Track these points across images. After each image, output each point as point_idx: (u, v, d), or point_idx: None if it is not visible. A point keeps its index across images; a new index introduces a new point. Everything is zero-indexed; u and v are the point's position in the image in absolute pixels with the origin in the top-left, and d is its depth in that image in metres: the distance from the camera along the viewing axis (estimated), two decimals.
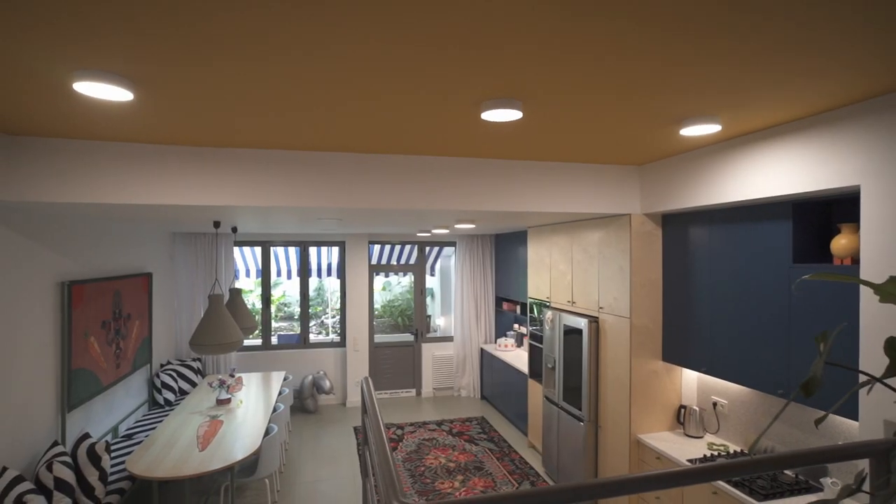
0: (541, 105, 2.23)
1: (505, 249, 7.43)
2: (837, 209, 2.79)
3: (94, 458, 3.49)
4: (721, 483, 2.93)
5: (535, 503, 0.92)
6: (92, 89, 1.87)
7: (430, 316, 8.95)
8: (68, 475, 3.27)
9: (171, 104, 2.19)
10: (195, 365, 6.32)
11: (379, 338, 8.11)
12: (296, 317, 10.08)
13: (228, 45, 1.60)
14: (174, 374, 5.85)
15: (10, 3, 1.31)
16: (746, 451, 3.37)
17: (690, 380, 3.90)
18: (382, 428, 1.33)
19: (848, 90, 2.08)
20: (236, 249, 7.43)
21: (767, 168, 2.71)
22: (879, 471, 1.01)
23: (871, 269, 2.17)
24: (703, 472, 0.98)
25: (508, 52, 1.66)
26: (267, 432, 4.22)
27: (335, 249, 7.75)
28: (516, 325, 7.27)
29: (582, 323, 4.35)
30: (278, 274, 7.64)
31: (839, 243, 2.58)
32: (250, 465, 4.21)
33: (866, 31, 1.52)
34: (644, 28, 1.48)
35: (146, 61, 1.71)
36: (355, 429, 6.43)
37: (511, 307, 7.22)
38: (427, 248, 8.08)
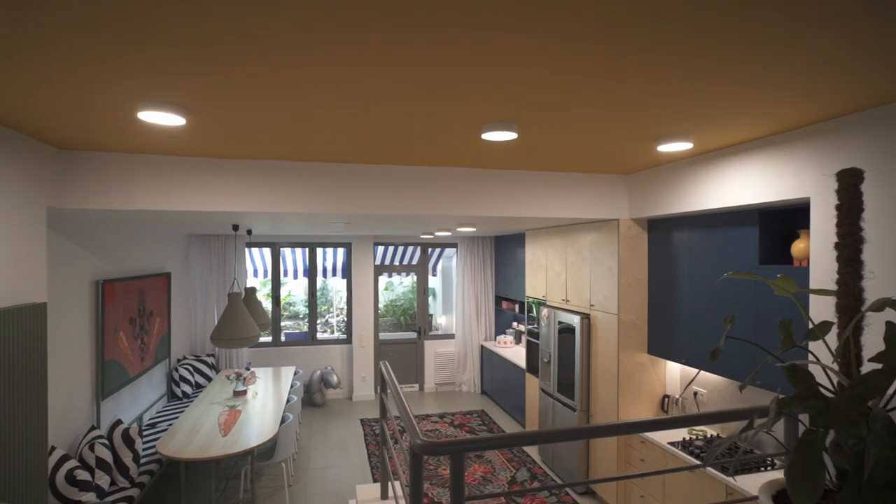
0: (533, 127, 2.57)
1: (504, 250, 7.77)
2: (799, 217, 3.13)
3: (128, 441, 3.83)
4: (694, 460, 3.27)
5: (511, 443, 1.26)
6: (152, 117, 2.21)
7: (431, 315, 9.28)
8: (107, 456, 3.61)
9: (212, 125, 2.53)
10: (209, 360, 6.66)
11: (383, 335, 8.44)
12: (301, 315, 10.41)
13: (262, 82, 1.94)
14: (191, 369, 6.20)
15: (88, 51, 1.65)
16: (719, 434, 3.70)
17: (673, 371, 4.24)
18: (402, 395, 1.66)
19: (800, 115, 2.41)
20: (246, 250, 7.76)
21: (735, 180, 3.05)
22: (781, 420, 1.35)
23: (819, 270, 2.50)
24: (622, 427, 1.32)
25: (504, 87, 2.00)
26: (282, 420, 4.55)
27: (340, 250, 8.08)
28: (515, 324, 7.60)
29: (575, 320, 4.69)
30: (285, 274, 7.98)
31: (798, 247, 2.91)
32: (268, 450, 4.55)
33: (819, 67, 1.86)
34: (625, 57, 1.82)
35: (198, 94, 2.05)
36: (362, 421, 6.77)
37: (510, 306, 7.56)
38: (429, 250, 8.42)
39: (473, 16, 1.41)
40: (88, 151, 3.09)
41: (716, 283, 3.03)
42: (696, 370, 1.16)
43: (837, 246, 1.10)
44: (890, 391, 1.05)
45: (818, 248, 2.51)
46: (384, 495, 2.37)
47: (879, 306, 1.00)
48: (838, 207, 1.10)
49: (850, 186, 1.08)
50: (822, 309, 2.45)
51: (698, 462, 3.27)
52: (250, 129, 2.61)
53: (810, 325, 1.32)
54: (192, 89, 1.99)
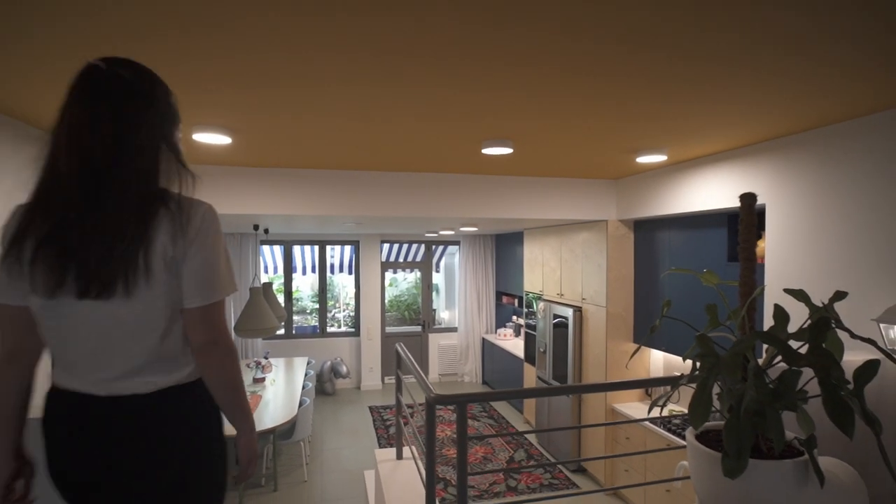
0: (527, 142, 2.98)
1: (504, 248, 8.18)
2: (762, 220, 3.53)
3: None
4: (672, 436, 3.69)
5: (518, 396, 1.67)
6: (205, 138, 2.63)
7: (435, 310, 9.69)
8: None
9: (251, 141, 2.94)
10: None
11: (389, 329, 8.87)
12: (308, 311, 10.85)
13: (295, 106, 2.35)
14: None
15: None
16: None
17: (657, 358, 4.65)
18: (417, 366, 2.08)
19: (758, 132, 2.81)
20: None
21: (706, 187, 3.45)
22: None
23: (772, 266, 2.91)
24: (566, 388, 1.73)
25: (501, 111, 2.41)
26: (300, 404, 4.98)
27: (347, 248, 8.51)
28: (514, 317, 8.02)
29: (568, 312, 5.10)
30: (294, 270, 8.40)
31: (759, 247, 3.31)
32: (287, 430, 4.98)
33: (773, 92, 2.27)
34: (606, 87, 2.22)
35: (244, 118, 2.46)
36: (370, 408, 7.21)
37: (510, 300, 7.97)
38: (433, 247, 8.84)
39: (475, 51, 1.81)
40: None
41: (662, 276, 3.44)
42: (639, 346, 1.49)
43: (739, 249, 1.50)
44: (777, 359, 1.45)
45: (772, 247, 2.92)
46: (399, 456, 2.79)
47: (759, 292, 1.41)
48: (741, 221, 1.50)
49: (748, 206, 1.48)
50: (781, 297, 2.85)
51: (676, 438, 3.68)
52: (281, 143, 3.02)
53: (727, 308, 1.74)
54: (239, 109, 2.40)
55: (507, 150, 3.02)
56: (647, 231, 4.44)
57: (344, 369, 7.77)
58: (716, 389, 1.46)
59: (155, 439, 1.13)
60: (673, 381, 1.70)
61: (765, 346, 1.53)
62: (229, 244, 7.42)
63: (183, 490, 1.18)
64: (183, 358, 1.18)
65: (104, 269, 1.05)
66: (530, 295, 6.37)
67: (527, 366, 6.43)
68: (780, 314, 1.47)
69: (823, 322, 1.22)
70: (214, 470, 1.26)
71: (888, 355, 1.27)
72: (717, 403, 1.38)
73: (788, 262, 2.81)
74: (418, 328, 8.79)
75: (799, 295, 1.53)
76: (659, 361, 4.65)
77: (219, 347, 1.19)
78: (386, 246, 8.64)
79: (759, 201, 2.98)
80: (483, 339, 8.50)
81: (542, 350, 5.72)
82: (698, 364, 1.49)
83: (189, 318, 1.16)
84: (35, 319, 1.11)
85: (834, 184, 2.59)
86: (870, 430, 1.20)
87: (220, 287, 1.18)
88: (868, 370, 1.22)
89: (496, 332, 8.51)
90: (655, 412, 4.32)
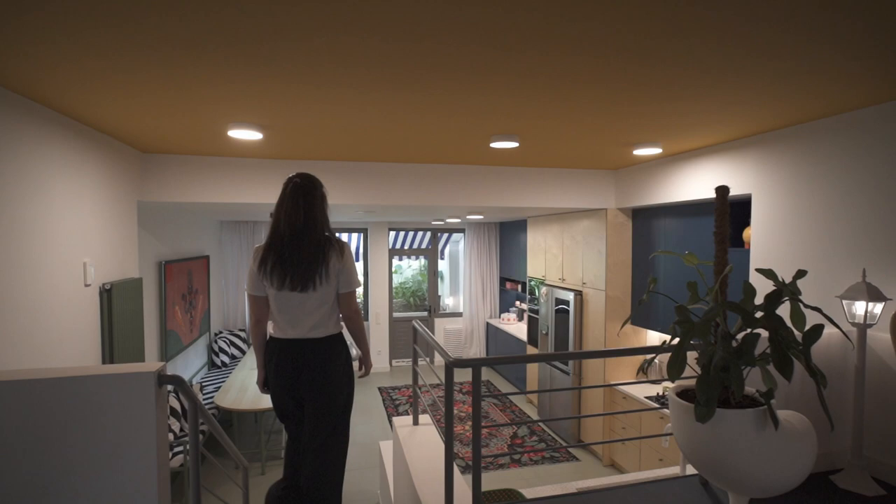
0: (533, 137, 3.22)
1: (508, 235, 8.43)
2: (749, 208, 3.78)
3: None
4: (664, 409, 3.97)
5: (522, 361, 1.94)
6: (239, 134, 2.88)
7: (440, 296, 9.97)
8: (177, 406, 4.35)
9: (279, 136, 3.20)
10: (242, 334, 7.40)
11: (396, 314, 9.16)
12: None
13: (321, 105, 2.60)
14: (227, 341, 6.94)
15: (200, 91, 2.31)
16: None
17: (654, 338, 4.93)
18: (434, 339, 2.35)
19: (743, 128, 3.05)
20: None
21: (698, 177, 3.70)
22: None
23: (757, 250, 3.17)
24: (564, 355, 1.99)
25: (510, 111, 2.65)
26: None
27: (355, 235, 8.77)
28: (517, 302, 8.30)
29: (570, 296, 5.37)
30: None
31: (748, 233, 3.57)
32: None
33: (759, 94, 2.51)
34: (605, 91, 2.47)
35: (275, 117, 2.71)
36: (379, 389, 7.52)
37: (513, 286, 8.25)
38: (438, 235, 9.09)
39: (487, 65, 2.06)
40: (165, 154, 3.77)
41: (649, 258, 3.70)
42: (627, 319, 1.73)
43: (714, 234, 1.76)
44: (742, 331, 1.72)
45: (757, 233, 3.17)
46: (416, 422, 3.08)
47: (729, 270, 1.67)
48: (715, 210, 1.76)
49: (721, 196, 1.73)
50: (759, 276, 3.12)
51: (667, 411, 3.97)
52: (306, 138, 3.27)
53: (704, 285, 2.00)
54: (271, 113, 2.66)
55: (513, 144, 3.27)
56: (644, 219, 4.69)
57: (353, 352, 8.06)
58: (696, 355, 1.73)
59: (323, 357, 2.31)
60: (658, 349, 1.98)
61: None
62: (240, 231, 7.70)
63: (337, 380, 2.35)
64: (335, 321, 2.36)
65: (304, 277, 2.24)
66: (533, 280, 6.64)
67: (529, 348, 6.72)
68: (749, 289, 1.74)
69: (776, 294, 1.49)
70: (349, 371, 2.45)
71: (831, 321, 1.54)
72: (697, 369, 1.66)
73: (771, 246, 3.07)
74: (424, 313, 9.08)
75: (768, 273, 1.80)
76: (655, 341, 4.92)
77: (356, 314, 2.40)
78: (393, 233, 8.90)
79: (748, 191, 3.25)
80: (487, 324, 8.79)
81: (544, 332, 6.00)
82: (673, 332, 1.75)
83: (342, 299, 2.35)
84: (268, 302, 2.31)
85: (813, 175, 2.84)
86: (849, 401, 1.47)
87: (355, 283, 2.36)
88: (814, 332, 1.50)
89: (500, 316, 8.81)
90: (642, 377, 4.59)
